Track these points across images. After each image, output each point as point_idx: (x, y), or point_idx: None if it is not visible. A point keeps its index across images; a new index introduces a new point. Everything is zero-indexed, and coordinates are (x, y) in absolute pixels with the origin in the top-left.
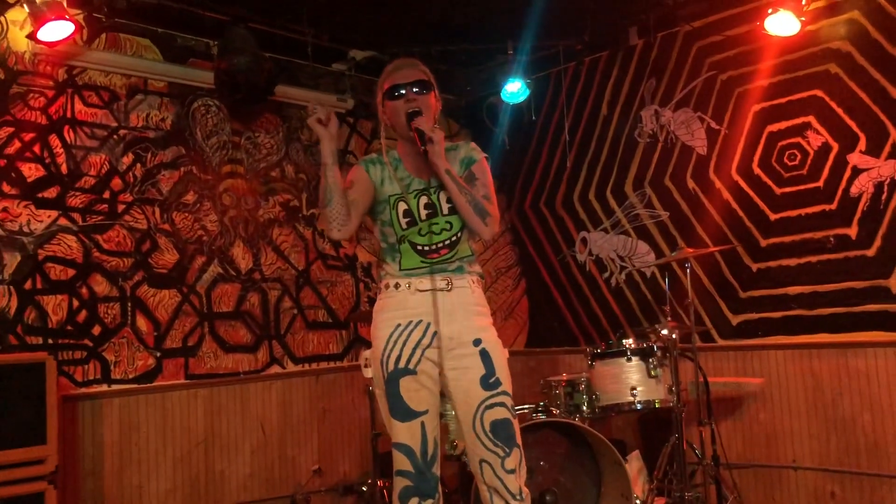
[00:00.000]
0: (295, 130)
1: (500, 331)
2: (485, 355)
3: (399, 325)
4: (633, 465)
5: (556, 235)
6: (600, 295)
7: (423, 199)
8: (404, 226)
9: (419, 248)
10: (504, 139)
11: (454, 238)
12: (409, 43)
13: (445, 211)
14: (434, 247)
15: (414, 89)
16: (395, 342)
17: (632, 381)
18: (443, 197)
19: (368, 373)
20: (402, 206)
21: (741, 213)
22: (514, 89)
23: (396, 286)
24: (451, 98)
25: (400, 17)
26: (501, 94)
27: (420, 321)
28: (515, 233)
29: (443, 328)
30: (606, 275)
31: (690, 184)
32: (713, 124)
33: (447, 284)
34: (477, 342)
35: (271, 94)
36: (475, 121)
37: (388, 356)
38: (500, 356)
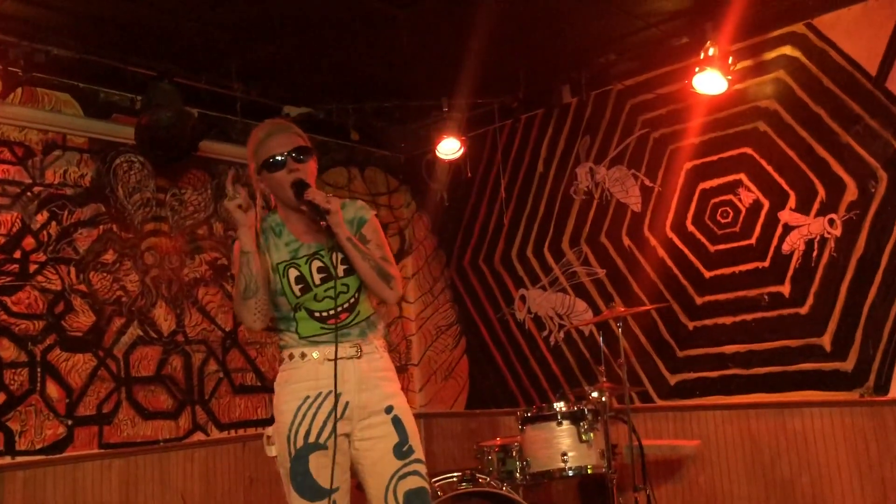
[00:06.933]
0: (224, 187)
1: (441, 391)
2: (397, 422)
3: (308, 396)
4: None
5: (496, 293)
6: (539, 354)
7: (316, 263)
8: (298, 293)
9: (316, 314)
10: (443, 195)
11: (353, 300)
12: (343, 99)
13: (341, 273)
14: (332, 312)
15: (294, 157)
16: (305, 415)
17: (563, 446)
18: (336, 258)
19: (272, 451)
20: (293, 273)
21: (676, 271)
22: (448, 147)
23: (302, 356)
24: (388, 154)
25: (334, 74)
26: (436, 151)
27: (330, 392)
28: (455, 290)
29: (354, 397)
30: (545, 333)
31: (626, 241)
32: (647, 181)
33: (357, 351)
34: (389, 409)
35: (195, 150)
36: (414, 177)
37: (297, 431)
38: (411, 422)
